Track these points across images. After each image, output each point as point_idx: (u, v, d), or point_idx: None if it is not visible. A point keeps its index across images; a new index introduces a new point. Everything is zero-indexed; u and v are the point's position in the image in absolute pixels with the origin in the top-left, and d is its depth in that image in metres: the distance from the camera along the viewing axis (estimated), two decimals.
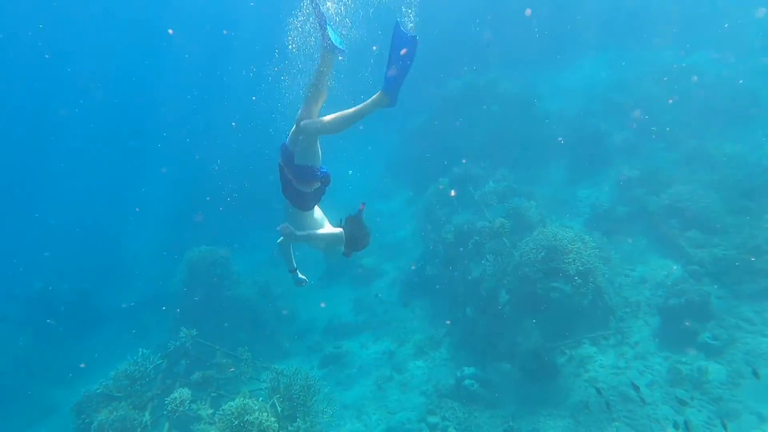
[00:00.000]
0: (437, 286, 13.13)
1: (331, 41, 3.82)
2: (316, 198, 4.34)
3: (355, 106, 3.95)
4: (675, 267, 11.22)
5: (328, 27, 3.85)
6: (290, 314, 16.08)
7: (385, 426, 9.68)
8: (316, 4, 3.80)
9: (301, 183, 4.09)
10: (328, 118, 3.95)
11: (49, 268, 23.20)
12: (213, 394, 8.49)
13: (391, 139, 25.09)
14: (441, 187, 15.42)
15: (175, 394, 7.82)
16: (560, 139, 16.79)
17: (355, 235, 4.34)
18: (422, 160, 19.91)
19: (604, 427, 8.17)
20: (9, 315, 19.32)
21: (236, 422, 7.45)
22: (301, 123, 3.94)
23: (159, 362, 9.09)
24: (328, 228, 4.56)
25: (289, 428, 7.93)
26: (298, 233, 4.38)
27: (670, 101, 16.90)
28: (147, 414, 7.94)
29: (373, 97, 3.87)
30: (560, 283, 9.58)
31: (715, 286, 10.23)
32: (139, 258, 24.05)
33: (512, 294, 10.38)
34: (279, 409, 7.99)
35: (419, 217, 16.78)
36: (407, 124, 22.60)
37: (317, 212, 4.58)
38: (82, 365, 15.01)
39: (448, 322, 12.13)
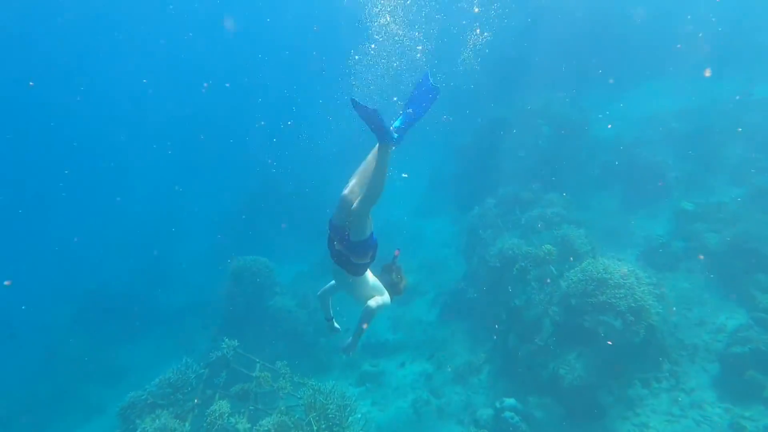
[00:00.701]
0: (479, 310, 12.81)
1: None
2: (369, 263, 4.33)
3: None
4: (739, 311, 10.49)
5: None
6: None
7: None
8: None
9: (357, 257, 4.08)
10: (363, 194, 3.81)
11: (103, 270, 24.33)
12: (251, 408, 8.52)
13: (436, 154, 25.00)
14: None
15: (215, 407, 7.92)
16: (615, 162, 16.22)
17: (394, 281, 4.55)
18: (468, 179, 19.68)
19: None
20: (18, 331, 20.25)
21: None
22: (352, 208, 3.83)
23: (201, 372, 9.27)
24: (373, 285, 4.59)
25: None
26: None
27: (737, 132, 16.05)
28: (187, 425, 8.05)
29: (376, 149, 3.78)
30: (610, 317, 9.13)
31: None
32: (186, 264, 24.90)
33: (557, 325, 9.97)
34: (314, 428, 7.93)
35: (463, 237, 16.50)
36: (455, 140, 22.43)
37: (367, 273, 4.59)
38: None
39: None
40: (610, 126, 18.99)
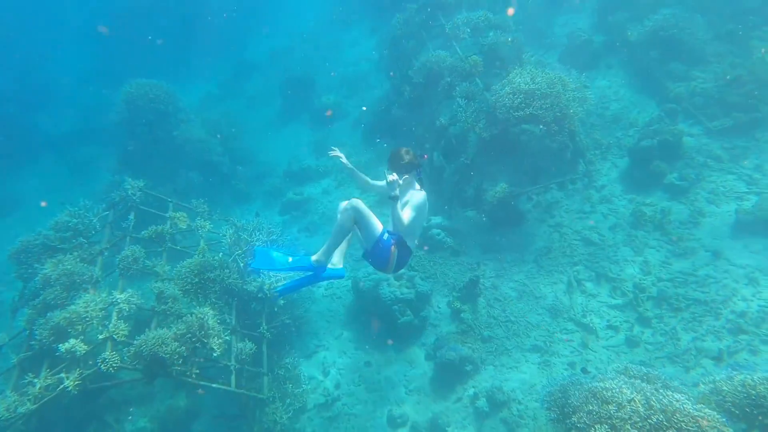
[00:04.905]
0: (403, 129, 12.37)
1: None
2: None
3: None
4: (651, 105, 10.77)
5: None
6: (246, 156, 15.29)
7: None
8: None
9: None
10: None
11: None
12: (168, 248, 7.86)
13: None
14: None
15: (127, 252, 7.21)
16: None
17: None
18: None
19: (565, 270, 8.50)
20: None
21: (196, 279, 7.16)
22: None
23: (105, 213, 8.27)
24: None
25: (253, 284, 7.72)
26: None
27: None
28: (97, 269, 7.32)
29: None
30: (533, 126, 9.06)
31: (689, 123, 9.98)
32: (68, 81, 21.60)
33: (483, 140, 9.81)
34: (241, 264, 7.70)
35: (384, 49, 15.08)
36: None
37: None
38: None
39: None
40: None
